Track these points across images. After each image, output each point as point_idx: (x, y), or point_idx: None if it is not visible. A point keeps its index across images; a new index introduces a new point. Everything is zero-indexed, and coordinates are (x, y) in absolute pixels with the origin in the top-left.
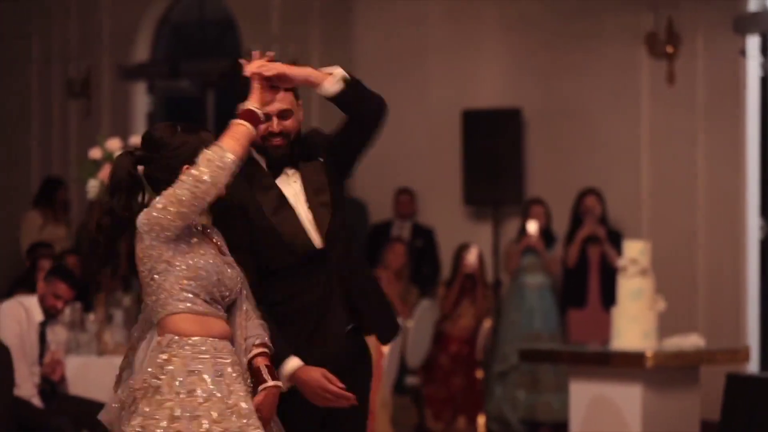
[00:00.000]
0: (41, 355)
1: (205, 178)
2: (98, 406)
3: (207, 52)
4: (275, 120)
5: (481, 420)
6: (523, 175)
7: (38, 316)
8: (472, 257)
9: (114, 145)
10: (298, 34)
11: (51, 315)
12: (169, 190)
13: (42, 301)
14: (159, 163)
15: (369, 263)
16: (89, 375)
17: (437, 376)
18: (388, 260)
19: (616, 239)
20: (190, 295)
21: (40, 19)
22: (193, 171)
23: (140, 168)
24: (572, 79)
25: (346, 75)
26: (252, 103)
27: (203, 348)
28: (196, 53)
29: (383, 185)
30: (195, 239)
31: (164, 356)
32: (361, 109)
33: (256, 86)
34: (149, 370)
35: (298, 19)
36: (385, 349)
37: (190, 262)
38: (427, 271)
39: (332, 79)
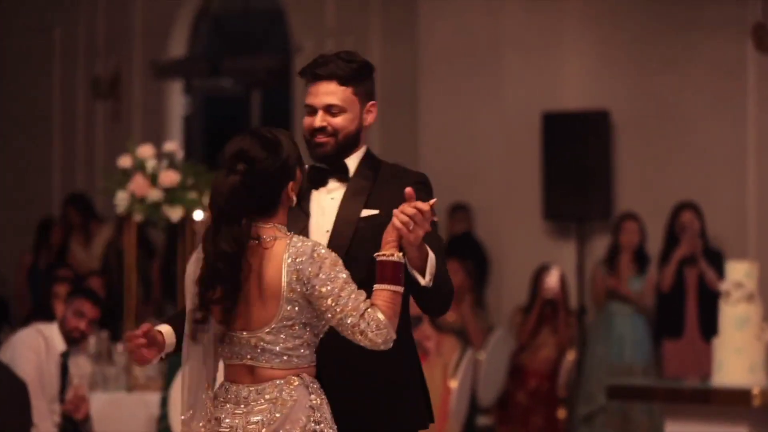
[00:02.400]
0: (62, 390)
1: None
2: None
3: (252, 48)
4: (320, 114)
5: None
6: (612, 186)
7: (59, 345)
8: (552, 280)
9: (146, 152)
10: (357, 26)
11: (73, 341)
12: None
13: (63, 326)
14: (265, 182)
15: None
16: (117, 413)
17: (513, 415)
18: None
19: (717, 260)
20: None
21: (64, 10)
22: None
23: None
24: (667, 77)
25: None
26: (391, 254)
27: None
28: (240, 48)
29: (453, 198)
30: None
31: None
32: (429, 306)
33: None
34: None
35: (356, 8)
36: (453, 384)
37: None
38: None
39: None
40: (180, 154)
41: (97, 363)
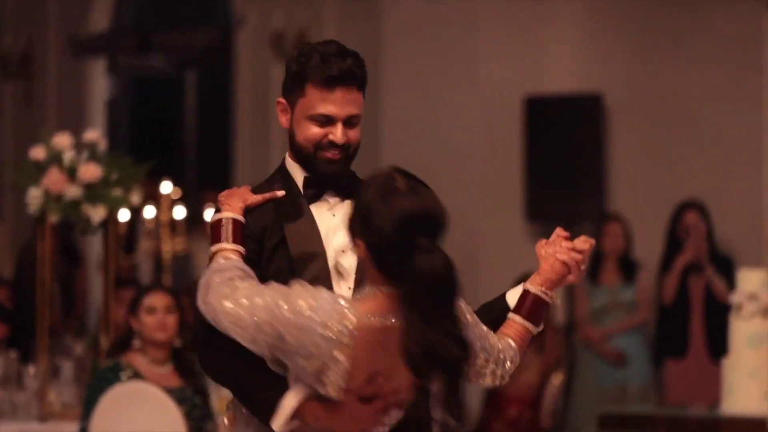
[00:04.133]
0: None
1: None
2: None
3: (187, 20)
4: (340, 127)
5: None
6: (605, 182)
7: None
8: None
9: (63, 142)
10: None
11: None
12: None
13: None
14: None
15: None
16: None
17: None
18: None
19: (727, 267)
20: None
21: None
22: None
23: None
24: (671, 56)
25: None
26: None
27: None
28: (173, 21)
29: None
30: None
31: None
32: None
33: None
34: None
35: None
36: None
37: None
38: None
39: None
40: (103, 145)
41: (5, 388)
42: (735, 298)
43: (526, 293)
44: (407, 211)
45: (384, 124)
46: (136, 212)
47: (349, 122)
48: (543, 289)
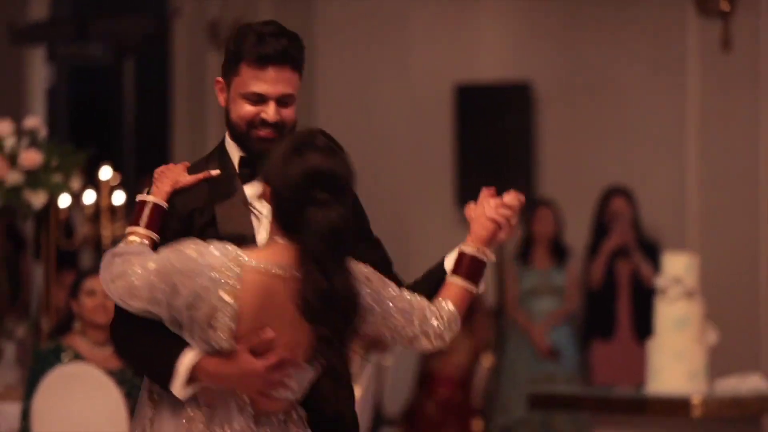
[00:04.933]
0: None
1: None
2: None
3: (124, 9)
4: (272, 106)
5: None
6: (533, 168)
7: None
8: None
9: (3, 129)
10: None
11: None
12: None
13: None
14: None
15: None
16: None
17: (423, 428)
18: None
19: (652, 252)
20: None
21: None
22: None
23: None
24: (598, 44)
25: None
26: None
27: None
28: (111, 10)
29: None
30: None
31: None
32: None
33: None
34: None
35: None
36: (356, 391)
37: None
38: None
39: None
40: (43, 132)
41: None
42: (660, 281)
43: (461, 255)
44: (315, 164)
45: (318, 111)
46: (75, 198)
47: (282, 101)
48: (478, 247)
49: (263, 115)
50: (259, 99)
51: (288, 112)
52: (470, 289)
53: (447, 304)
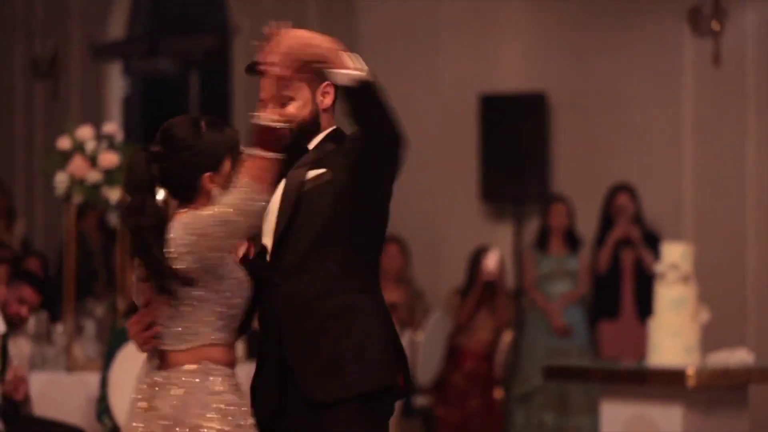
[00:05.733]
0: (2, 371)
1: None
2: (66, 428)
3: (190, 28)
4: (272, 106)
5: None
6: (549, 168)
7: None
8: (491, 262)
9: (85, 133)
10: (294, 7)
11: (14, 325)
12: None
13: (4, 309)
14: (178, 165)
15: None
16: (56, 394)
17: (451, 396)
18: (384, 265)
19: (653, 242)
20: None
21: None
22: (224, 211)
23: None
24: (605, 59)
25: (360, 81)
26: (266, 117)
27: None
28: (178, 29)
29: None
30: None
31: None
32: (365, 123)
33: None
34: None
35: None
36: None
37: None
38: None
39: (346, 76)
40: (119, 136)
41: (37, 344)
42: (660, 267)
43: (272, 129)
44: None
45: None
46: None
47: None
48: (266, 116)
49: None
50: (264, 104)
51: (290, 109)
52: (263, 155)
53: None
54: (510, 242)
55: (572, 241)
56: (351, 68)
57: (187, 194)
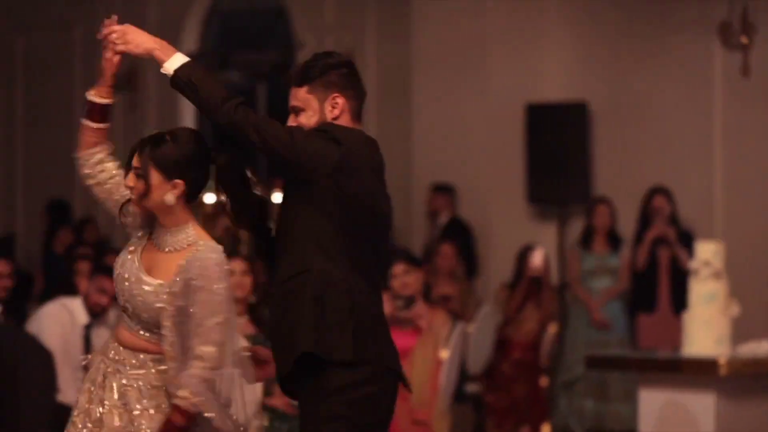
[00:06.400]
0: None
1: None
2: None
3: (257, 43)
4: (291, 115)
5: (545, 430)
6: (590, 172)
7: (82, 318)
8: (537, 259)
9: None
10: (354, 24)
11: (96, 315)
12: None
13: (86, 301)
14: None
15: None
16: None
17: (499, 383)
18: (437, 263)
19: (687, 240)
20: None
21: (83, 8)
22: None
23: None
24: (641, 71)
25: (178, 69)
26: (93, 93)
27: None
28: (246, 44)
29: (442, 182)
30: None
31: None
32: (196, 105)
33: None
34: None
35: (354, 8)
36: (444, 355)
37: None
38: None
39: (166, 66)
40: None
41: None
42: (693, 264)
43: (98, 105)
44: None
45: (415, 125)
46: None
47: (294, 111)
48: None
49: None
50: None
51: (300, 119)
52: (90, 125)
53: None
54: (554, 241)
55: (614, 240)
56: (168, 62)
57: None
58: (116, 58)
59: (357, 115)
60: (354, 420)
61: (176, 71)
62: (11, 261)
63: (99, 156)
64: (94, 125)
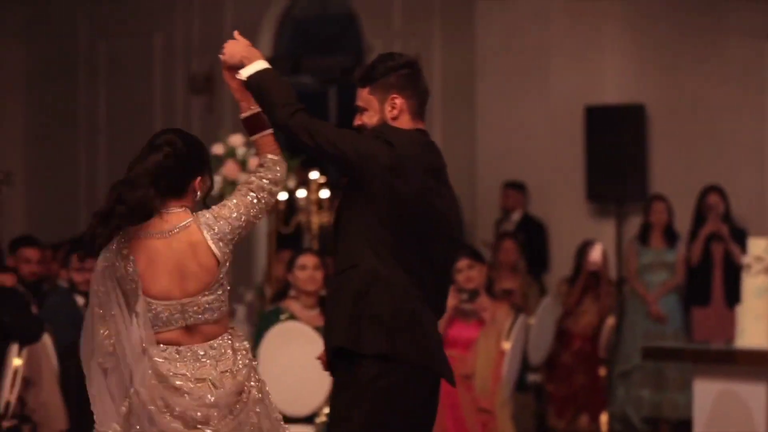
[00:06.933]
0: None
1: (281, 185)
2: None
3: (329, 48)
4: (357, 114)
5: (603, 418)
6: (647, 171)
7: None
8: (596, 255)
9: (236, 140)
10: (420, 30)
11: None
12: (244, 201)
13: None
14: (185, 165)
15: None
16: None
17: (559, 373)
18: (499, 257)
19: (740, 237)
20: None
21: (162, 15)
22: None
23: None
24: (696, 74)
25: (250, 76)
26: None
27: None
28: (318, 49)
29: (508, 178)
30: None
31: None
32: (262, 109)
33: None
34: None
35: (420, 14)
36: (507, 346)
37: None
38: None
39: (243, 72)
40: None
41: None
42: (746, 259)
43: (246, 119)
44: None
45: (480, 127)
46: (291, 193)
47: (359, 111)
48: (248, 107)
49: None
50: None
51: (363, 118)
52: (265, 134)
53: (264, 161)
54: (612, 237)
55: (670, 236)
56: (245, 69)
57: (179, 190)
58: (226, 74)
59: (417, 114)
60: (378, 411)
61: (249, 77)
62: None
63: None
64: (258, 136)
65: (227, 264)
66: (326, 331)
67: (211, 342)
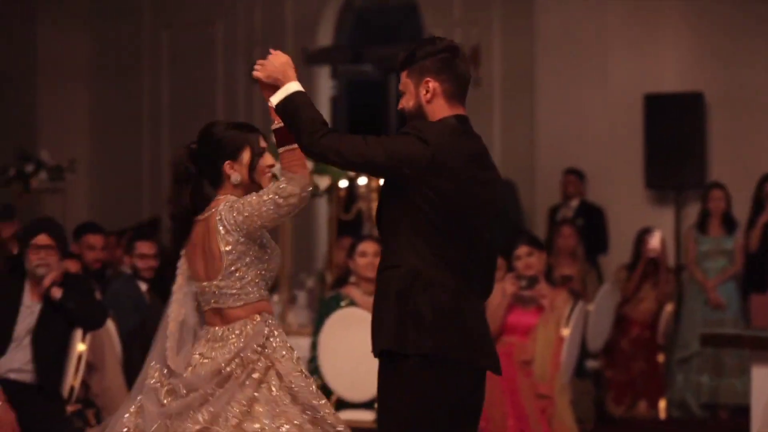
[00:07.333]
0: None
1: (293, 201)
2: None
3: (389, 38)
4: (401, 98)
5: (662, 404)
6: (705, 159)
7: None
8: (655, 242)
9: None
10: (480, 19)
11: None
12: (259, 200)
13: None
14: (205, 158)
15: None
16: None
17: (618, 359)
18: (558, 243)
19: None
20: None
21: (224, 5)
22: (285, 187)
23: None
24: (754, 63)
25: (278, 103)
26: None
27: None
28: (379, 38)
29: (567, 165)
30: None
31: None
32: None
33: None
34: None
35: (480, 3)
36: (566, 333)
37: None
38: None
39: (272, 99)
40: None
41: None
42: None
43: (276, 131)
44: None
45: (539, 115)
46: (352, 181)
47: (400, 93)
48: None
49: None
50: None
51: (402, 101)
52: (290, 148)
53: (285, 175)
54: (671, 225)
55: (729, 223)
56: (276, 95)
57: (215, 180)
58: (262, 86)
59: (454, 97)
60: (422, 405)
61: (277, 104)
62: (157, 242)
63: None
64: (283, 149)
65: (234, 253)
66: (373, 332)
67: (232, 325)
